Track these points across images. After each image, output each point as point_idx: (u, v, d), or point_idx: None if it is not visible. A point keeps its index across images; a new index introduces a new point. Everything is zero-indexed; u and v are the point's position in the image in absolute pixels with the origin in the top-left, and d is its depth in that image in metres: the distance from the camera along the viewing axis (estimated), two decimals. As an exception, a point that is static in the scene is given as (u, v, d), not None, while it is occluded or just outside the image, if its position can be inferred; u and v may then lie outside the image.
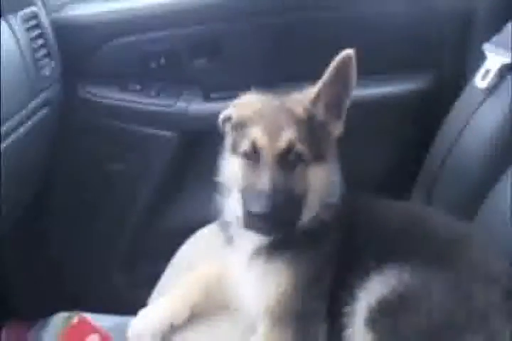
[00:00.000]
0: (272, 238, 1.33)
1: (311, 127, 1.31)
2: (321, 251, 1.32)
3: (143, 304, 1.56)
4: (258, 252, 1.35)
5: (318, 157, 1.30)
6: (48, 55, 1.92)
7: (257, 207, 1.19)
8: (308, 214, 1.31)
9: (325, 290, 1.30)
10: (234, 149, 1.36)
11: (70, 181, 2.19)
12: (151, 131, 2.07)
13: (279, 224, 1.24)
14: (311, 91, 1.34)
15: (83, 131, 2.10)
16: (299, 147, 1.26)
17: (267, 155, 1.26)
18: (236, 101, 1.41)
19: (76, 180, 2.18)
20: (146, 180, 2.14)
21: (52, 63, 1.94)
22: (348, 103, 1.33)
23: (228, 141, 1.40)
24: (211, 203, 1.46)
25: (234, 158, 1.36)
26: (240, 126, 1.34)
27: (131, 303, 1.55)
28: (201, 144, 2.07)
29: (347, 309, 1.25)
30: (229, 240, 1.45)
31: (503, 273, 1.23)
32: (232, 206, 1.39)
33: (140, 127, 2.07)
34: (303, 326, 1.28)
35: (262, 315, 1.32)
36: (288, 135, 1.26)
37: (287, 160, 1.26)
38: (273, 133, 1.26)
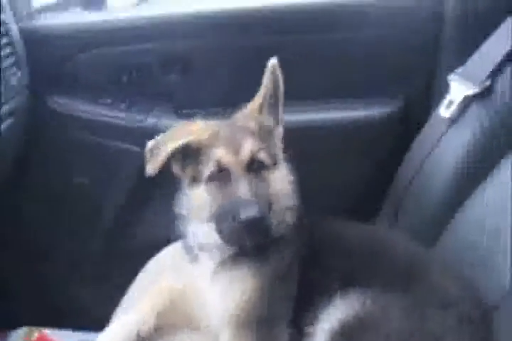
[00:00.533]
0: (235, 250, 1.36)
1: (262, 136, 1.39)
2: (286, 257, 1.36)
3: (109, 320, 1.56)
4: (223, 264, 1.39)
5: (275, 162, 1.39)
6: (15, 64, 1.88)
7: (246, 213, 1.22)
8: (275, 219, 1.35)
9: (290, 297, 1.33)
10: (194, 179, 1.37)
11: (37, 192, 2.14)
12: (120, 145, 2.04)
13: (264, 230, 1.28)
14: (255, 103, 1.43)
15: (52, 141, 2.07)
16: (260, 155, 1.34)
17: (237, 169, 1.30)
18: (173, 132, 1.41)
19: (43, 191, 2.13)
20: (112, 195, 2.12)
21: (19, 73, 1.90)
22: (282, 107, 1.44)
23: (186, 175, 1.40)
24: (175, 226, 1.48)
25: (196, 188, 1.37)
26: (197, 153, 1.36)
27: (97, 320, 1.55)
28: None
29: (308, 329, 1.28)
30: (194, 259, 1.47)
31: (461, 298, 1.26)
32: (195, 233, 1.43)
33: (109, 141, 2.05)
34: (266, 332, 1.31)
35: (225, 322, 1.33)
36: (249, 147, 1.33)
37: (253, 170, 1.32)
38: (234, 149, 1.33)
